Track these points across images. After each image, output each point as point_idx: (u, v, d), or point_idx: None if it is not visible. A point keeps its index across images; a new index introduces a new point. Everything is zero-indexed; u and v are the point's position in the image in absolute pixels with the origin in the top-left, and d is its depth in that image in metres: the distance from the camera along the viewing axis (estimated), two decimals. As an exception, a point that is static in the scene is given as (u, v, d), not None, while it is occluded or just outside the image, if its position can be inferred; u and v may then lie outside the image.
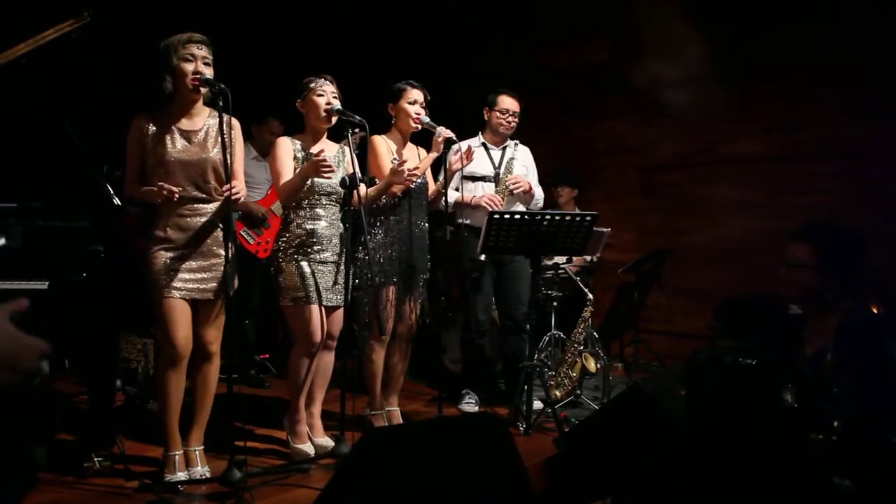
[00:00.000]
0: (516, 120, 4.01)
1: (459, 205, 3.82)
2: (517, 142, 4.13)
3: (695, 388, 2.05)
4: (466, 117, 4.11)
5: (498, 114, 3.98)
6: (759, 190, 4.77)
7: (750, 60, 4.78)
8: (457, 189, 3.92)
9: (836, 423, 1.63)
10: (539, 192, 4.13)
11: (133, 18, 4.01)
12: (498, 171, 4.00)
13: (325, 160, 2.81)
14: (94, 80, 3.89)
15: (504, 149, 4.06)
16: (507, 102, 3.98)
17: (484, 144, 4.06)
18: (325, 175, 2.85)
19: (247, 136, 4.15)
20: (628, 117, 5.41)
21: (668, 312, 5.23)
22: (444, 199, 3.44)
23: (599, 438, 2.74)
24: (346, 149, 3.15)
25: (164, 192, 2.55)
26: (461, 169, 3.46)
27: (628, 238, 5.35)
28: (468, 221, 3.84)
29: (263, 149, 4.51)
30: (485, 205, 3.77)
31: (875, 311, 3.65)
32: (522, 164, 4.10)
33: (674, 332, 5.16)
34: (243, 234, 4.21)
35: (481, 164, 3.98)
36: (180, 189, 2.61)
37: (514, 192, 3.92)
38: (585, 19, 5.56)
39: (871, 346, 2.12)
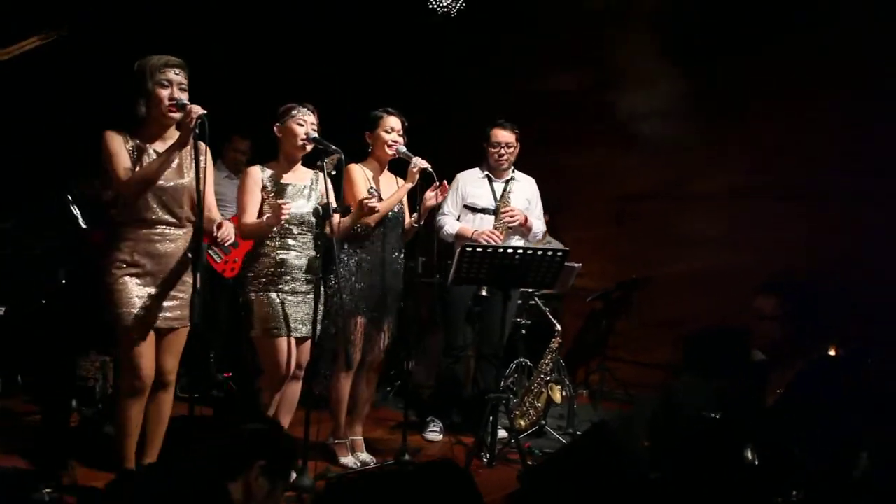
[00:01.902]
0: (510, 151, 4.00)
1: (461, 237, 3.83)
2: (515, 174, 4.11)
3: (658, 440, 2.06)
4: (446, 145, 4.12)
5: (491, 148, 4.00)
6: (728, 224, 4.85)
7: (722, 98, 4.89)
8: (458, 219, 3.95)
9: (795, 493, 1.65)
10: (538, 226, 4.12)
11: (105, 33, 3.94)
12: (499, 203, 3.99)
13: (286, 209, 2.82)
14: (65, 93, 3.81)
15: (507, 181, 4.06)
16: (500, 135, 3.98)
17: (488, 176, 4.06)
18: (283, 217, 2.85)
19: (217, 155, 4.11)
20: (603, 148, 5.47)
21: (635, 341, 5.28)
22: (415, 231, 3.44)
23: (562, 476, 2.76)
24: (320, 176, 3.13)
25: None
26: (436, 205, 3.45)
27: (599, 266, 5.39)
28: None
29: (234, 167, 4.49)
30: (484, 242, 3.76)
31: (833, 352, 3.76)
32: (525, 196, 4.10)
33: (640, 361, 5.21)
34: (210, 252, 4.15)
35: (483, 195, 4.00)
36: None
37: (510, 225, 3.92)
38: (562, 50, 5.62)
39: (825, 401, 2.18)
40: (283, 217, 2.82)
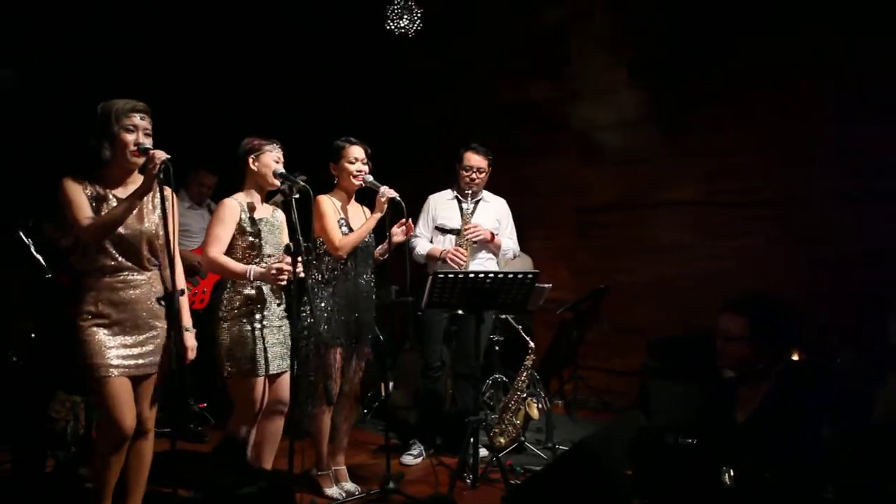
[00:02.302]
0: (481, 176, 4.04)
1: (431, 257, 3.90)
2: (484, 194, 4.16)
3: (640, 467, 2.13)
4: (411, 163, 4.14)
5: (462, 171, 4.04)
6: (694, 232, 4.97)
7: (683, 109, 4.99)
8: (431, 240, 4.02)
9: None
10: (508, 244, 4.17)
11: (62, 72, 3.87)
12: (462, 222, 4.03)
13: (285, 272, 2.84)
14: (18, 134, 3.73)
15: (477, 202, 4.10)
16: (472, 159, 4.02)
17: (457, 197, 4.10)
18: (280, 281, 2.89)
19: (179, 184, 4.07)
20: (565, 159, 5.56)
21: (605, 349, 5.38)
22: (387, 256, 3.48)
23: (544, 497, 2.81)
24: (279, 212, 3.14)
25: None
26: (403, 240, 3.47)
27: (564, 276, 5.46)
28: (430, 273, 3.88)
29: (197, 198, 4.47)
30: (449, 261, 3.80)
31: (797, 357, 3.90)
32: (495, 216, 4.15)
33: (610, 368, 5.30)
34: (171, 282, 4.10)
35: (452, 217, 4.05)
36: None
37: (475, 241, 3.96)
38: (526, 61, 5.69)
39: (797, 419, 2.27)
40: (280, 281, 2.87)
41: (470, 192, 4.04)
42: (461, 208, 4.06)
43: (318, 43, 5.63)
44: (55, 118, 3.72)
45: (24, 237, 3.03)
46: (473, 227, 3.96)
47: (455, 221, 4.05)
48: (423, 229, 4.11)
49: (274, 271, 2.85)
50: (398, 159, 3.49)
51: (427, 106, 6.15)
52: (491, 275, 3.38)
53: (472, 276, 3.37)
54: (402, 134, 5.67)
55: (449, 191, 4.17)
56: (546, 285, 4.31)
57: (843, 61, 4.30)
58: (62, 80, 3.87)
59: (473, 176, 4.03)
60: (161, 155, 2.50)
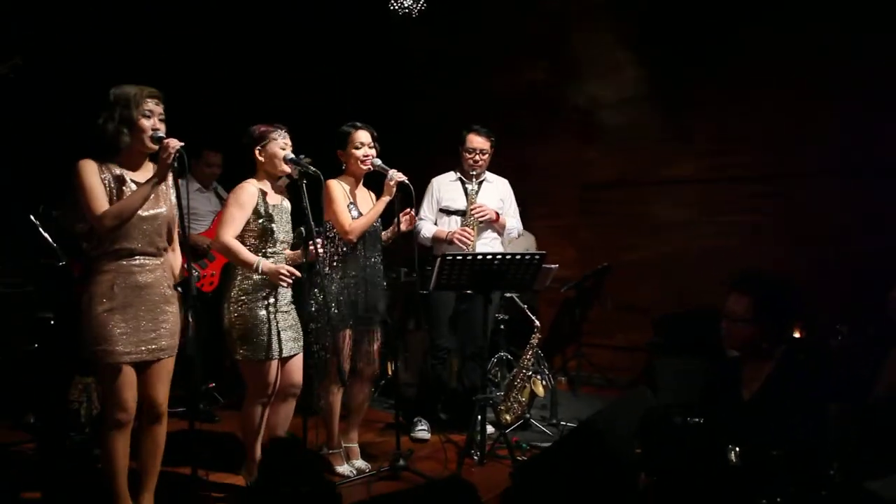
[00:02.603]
0: (484, 158, 4.05)
1: (437, 239, 3.93)
2: (487, 175, 4.17)
3: (649, 446, 2.19)
4: (412, 145, 4.15)
5: (465, 153, 4.05)
6: (694, 209, 5.02)
7: (684, 86, 5.01)
8: (435, 223, 4.04)
9: (780, 498, 1.79)
10: (512, 224, 4.20)
11: (66, 59, 3.87)
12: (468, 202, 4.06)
13: (291, 276, 2.90)
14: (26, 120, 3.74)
15: (481, 183, 4.12)
16: (475, 141, 4.04)
17: (460, 178, 4.12)
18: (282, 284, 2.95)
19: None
20: (569, 138, 5.58)
21: (608, 326, 5.45)
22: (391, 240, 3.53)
23: (552, 472, 2.89)
24: (285, 201, 3.17)
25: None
26: (410, 229, 3.53)
27: (569, 254, 5.53)
28: (437, 254, 3.92)
29: (205, 180, 4.47)
30: (456, 241, 3.84)
31: (798, 334, 3.96)
32: (499, 196, 4.18)
33: (614, 345, 5.39)
34: (187, 267, 4.13)
35: (457, 198, 4.07)
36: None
37: (481, 220, 3.99)
38: (525, 43, 5.68)
39: (802, 397, 2.33)
40: (282, 284, 2.93)
41: (474, 173, 4.07)
42: (465, 189, 4.09)
43: (317, 35, 5.62)
44: (61, 106, 3.74)
45: (35, 222, 3.05)
46: (479, 207, 3.99)
47: (459, 202, 4.08)
48: (427, 212, 4.14)
49: (284, 273, 2.89)
50: (401, 147, 3.51)
51: (428, 91, 6.16)
52: (499, 256, 3.42)
53: (480, 257, 3.41)
54: (404, 121, 5.68)
55: (452, 172, 4.19)
56: (552, 266, 4.35)
57: (848, 55, 4.32)
58: (64, 72, 3.88)
59: (477, 158, 4.05)
60: (175, 144, 2.52)
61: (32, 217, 3.05)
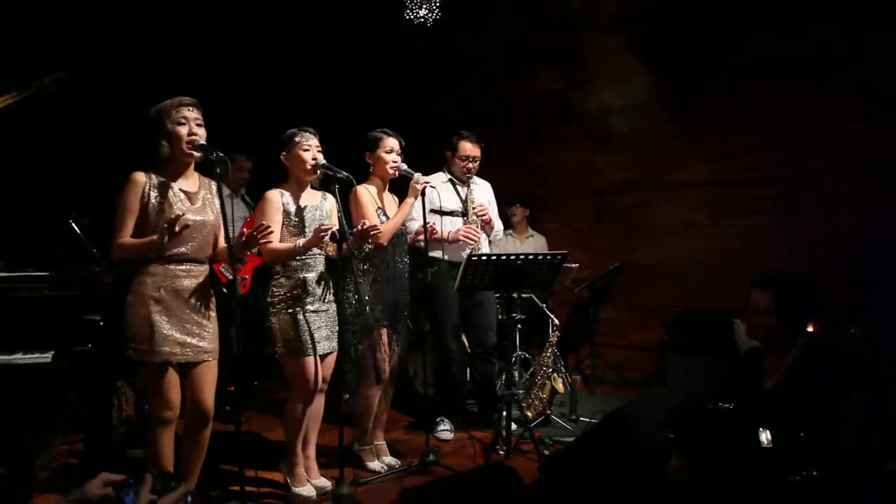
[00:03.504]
0: (476, 165, 4.20)
1: (436, 239, 3.97)
2: (473, 179, 4.31)
3: (680, 431, 2.31)
4: (424, 149, 4.23)
5: (458, 160, 4.19)
6: (703, 213, 5.14)
7: (692, 92, 5.13)
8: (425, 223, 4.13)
9: (814, 472, 1.90)
10: (498, 224, 4.35)
11: (110, 74, 4.01)
12: (465, 205, 4.19)
13: (328, 229, 2.96)
14: (68, 134, 3.86)
15: (470, 184, 4.26)
16: (468, 149, 4.18)
17: (451, 180, 4.24)
18: (325, 243, 3.03)
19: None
20: (580, 144, 5.71)
21: (621, 326, 5.57)
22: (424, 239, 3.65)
23: (581, 464, 2.99)
24: (329, 197, 3.28)
25: (174, 225, 2.47)
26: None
27: (581, 257, 5.63)
28: (442, 255, 4.02)
29: (235, 185, 4.58)
30: (462, 239, 3.96)
31: (811, 328, 4.07)
32: (486, 198, 4.32)
33: (627, 344, 5.50)
34: (222, 270, 4.24)
35: (450, 199, 4.17)
36: (183, 221, 2.54)
37: (482, 219, 4.12)
38: (537, 51, 5.82)
39: (825, 383, 2.44)
40: (323, 233, 2.96)
41: (468, 176, 4.21)
42: (457, 191, 4.22)
43: (323, 42, 5.75)
44: (102, 117, 3.88)
45: (76, 228, 3.15)
46: (481, 206, 4.13)
47: (454, 203, 4.19)
48: (414, 213, 4.02)
49: (318, 234, 2.96)
50: (409, 156, 3.63)
51: (437, 99, 6.28)
52: (522, 256, 3.54)
53: (503, 257, 3.53)
54: (412, 130, 5.81)
55: (441, 174, 4.28)
56: (573, 265, 4.47)
57: (849, 57, 4.43)
58: (106, 83, 4.02)
59: (470, 165, 4.19)
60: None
61: (73, 223, 3.15)
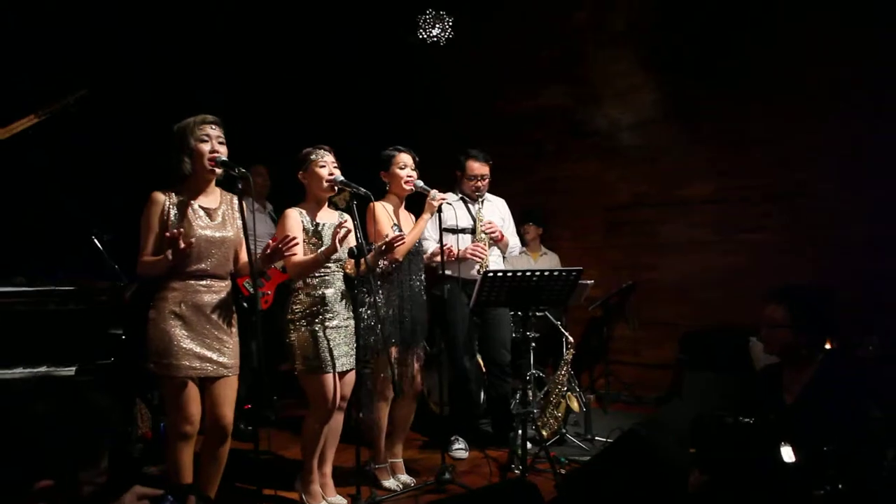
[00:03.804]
0: (485, 182, 4.22)
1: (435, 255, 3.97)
2: (486, 195, 4.32)
3: (703, 445, 2.30)
4: (434, 163, 4.26)
5: (467, 179, 4.22)
6: (712, 228, 5.15)
7: (700, 107, 5.18)
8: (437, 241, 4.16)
9: (839, 486, 1.89)
10: (513, 241, 4.35)
11: (127, 86, 4.09)
12: (475, 222, 4.20)
13: (348, 231, 2.99)
14: (90, 152, 3.93)
15: (483, 202, 4.28)
16: (476, 168, 4.20)
17: (462, 198, 4.27)
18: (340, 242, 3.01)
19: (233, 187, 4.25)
20: (591, 159, 5.74)
21: (634, 344, 5.55)
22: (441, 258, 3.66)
23: (599, 481, 2.97)
24: (347, 217, 3.31)
25: (178, 241, 2.50)
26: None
27: (593, 273, 5.63)
28: (454, 273, 4.03)
29: (258, 196, 4.71)
30: (469, 257, 3.97)
31: (829, 345, 4.05)
32: (499, 215, 4.33)
33: (641, 362, 5.48)
34: (245, 284, 4.26)
35: (462, 217, 4.18)
36: (192, 242, 2.58)
37: (490, 236, 4.13)
38: (546, 67, 5.88)
39: (846, 398, 2.43)
40: (342, 237, 2.98)
41: (478, 195, 4.23)
42: (468, 209, 4.23)
43: (335, 57, 5.82)
44: (122, 135, 3.95)
45: (98, 244, 3.19)
46: (489, 224, 4.14)
47: (464, 221, 4.20)
48: (431, 231, 4.08)
49: (338, 236, 2.96)
50: (424, 170, 3.67)
51: (451, 114, 6.34)
52: (537, 272, 3.54)
53: (519, 274, 3.53)
54: (420, 144, 5.89)
55: (451, 193, 4.27)
56: (588, 282, 4.47)
57: (860, 58, 4.47)
58: (127, 100, 4.10)
59: (479, 184, 4.21)
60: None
61: (95, 239, 3.19)
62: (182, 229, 2.63)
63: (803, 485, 2.01)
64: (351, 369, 3.23)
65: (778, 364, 2.77)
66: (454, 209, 4.07)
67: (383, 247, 3.16)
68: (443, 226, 4.06)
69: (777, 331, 2.62)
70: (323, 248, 3.06)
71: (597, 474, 3.04)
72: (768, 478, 2.11)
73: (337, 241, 2.94)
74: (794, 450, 2.10)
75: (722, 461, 2.25)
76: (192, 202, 2.77)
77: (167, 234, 2.53)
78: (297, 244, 2.85)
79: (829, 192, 4.63)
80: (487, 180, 4.25)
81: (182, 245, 2.51)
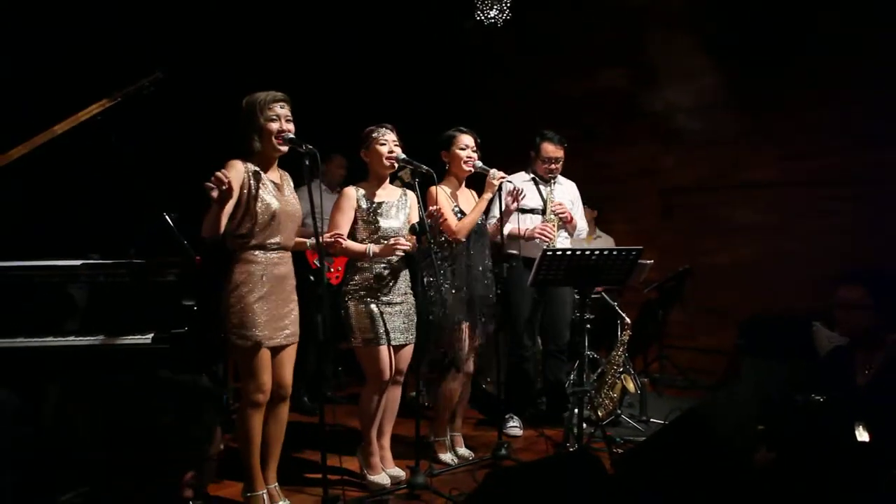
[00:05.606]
0: (559, 165, 4.21)
1: (512, 236, 4.02)
2: (558, 177, 4.30)
3: (772, 423, 2.28)
4: (490, 145, 4.26)
5: (541, 161, 4.21)
6: (774, 213, 5.03)
7: (762, 90, 5.05)
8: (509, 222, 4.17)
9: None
10: (581, 224, 4.34)
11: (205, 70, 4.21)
12: (545, 203, 4.20)
13: (403, 246, 3.06)
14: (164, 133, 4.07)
15: (554, 184, 4.27)
16: (551, 151, 4.18)
17: (534, 179, 4.27)
18: (398, 253, 3.14)
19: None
20: (647, 143, 5.67)
21: (689, 328, 5.48)
22: (500, 235, 3.67)
23: (657, 459, 2.96)
24: (410, 194, 3.35)
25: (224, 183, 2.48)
26: (517, 209, 3.71)
27: (649, 258, 5.57)
28: (519, 252, 4.04)
29: (331, 182, 4.82)
30: (538, 237, 3.98)
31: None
32: (569, 198, 4.31)
33: (696, 347, 5.41)
34: (317, 262, 4.35)
35: (532, 197, 4.20)
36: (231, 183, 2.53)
37: (560, 217, 4.13)
38: (603, 49, 5.81)
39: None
40: (398, 252, 3.10)
41: (550, 178, 4.22)
42: (539, 190, 4.23)
43: (386, 39, 5.84)
44: (198, 117, 4.08)
45: (169, 221, 3.29)
46: (559, 205, 4.13)
47: (535, 202, 4.20)
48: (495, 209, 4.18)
49: (396, 246, 3.06)
50: (485, 151, 3.68)
51: (507, 95, 6.32)
52: (596, 251, 3.53)
53: (578, 252, 3.52)
54: (476, 127, 5.92)
55: (523, 172, 4.31)
56: (647, 262, 4.45)
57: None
58: (202, 83, 4.23)
59: (552, 167, 4.20)
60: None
61: (166, 217, 3.29)
62: (269, 203, 2.76)
63: (877, 464, 1.98)
64: (408, 343, 3.28)
65: (846, 346, 2.73)
66: (524, 190, 4.08)
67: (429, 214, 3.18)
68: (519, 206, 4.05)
69: (854, 312, 2.57)
70: (376, 248, 3.12)
71: (656, 452, 3.03)
72: (840, 456, 2.08)
73: (391, 248, 3.08)
74: (867, 429, 2.07)
75: (791, 439, 2.23)
76: (266, 178, 2.85)
77: (215, 174, 2.49)
78: (342, 236, 2.96)
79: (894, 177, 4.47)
80: (561, 163, 4.24)
81: (224, 187, 2.49)
